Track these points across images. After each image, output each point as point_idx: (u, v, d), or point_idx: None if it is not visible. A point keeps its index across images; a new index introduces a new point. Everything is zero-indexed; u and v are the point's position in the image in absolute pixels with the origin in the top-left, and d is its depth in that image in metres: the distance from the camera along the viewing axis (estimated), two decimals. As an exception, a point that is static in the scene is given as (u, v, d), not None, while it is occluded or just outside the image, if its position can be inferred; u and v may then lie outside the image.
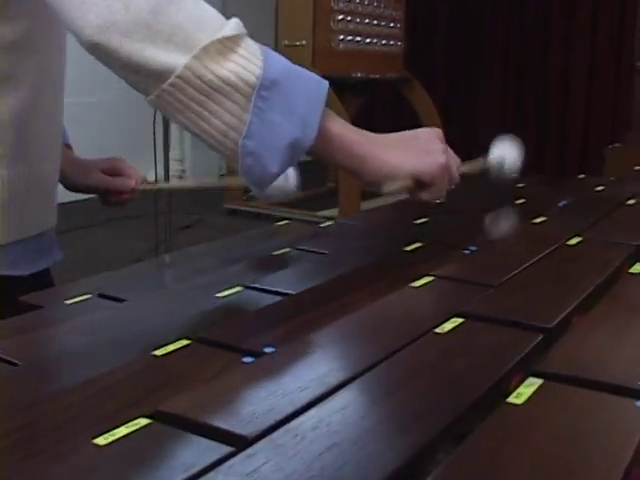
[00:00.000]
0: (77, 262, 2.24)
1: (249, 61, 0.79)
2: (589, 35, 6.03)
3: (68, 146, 1.27)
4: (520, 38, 6.38)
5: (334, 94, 4.44)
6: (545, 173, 6.04)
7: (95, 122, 5.09)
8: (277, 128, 0.80)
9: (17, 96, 0.98)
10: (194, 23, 0.78)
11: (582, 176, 1.79)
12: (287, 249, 1.11)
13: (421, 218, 1.29)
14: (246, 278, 0.93)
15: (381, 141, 0.91)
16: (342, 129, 0.88)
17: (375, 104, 6.46)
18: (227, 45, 0.79)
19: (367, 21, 5.06)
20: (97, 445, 0.50)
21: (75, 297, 0.92)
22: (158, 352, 0.69)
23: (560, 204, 1.37)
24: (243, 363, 0.65)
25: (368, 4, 5.06)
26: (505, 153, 1.22)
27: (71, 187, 1.27)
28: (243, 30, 0.81)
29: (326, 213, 4.70)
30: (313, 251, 1.10)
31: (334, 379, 0.59)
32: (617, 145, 4.56)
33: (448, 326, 0.68)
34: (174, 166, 5.11)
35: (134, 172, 1.30)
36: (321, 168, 5.42)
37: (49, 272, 1.17)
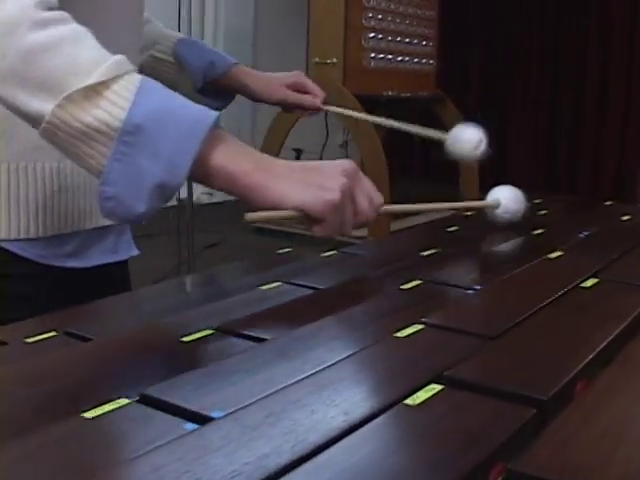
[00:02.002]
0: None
1: (116, 106, 0.80)
2: (627, 52, 5.89)
3: (237, 65, 1.40)
4: (554, 55, 6.27)
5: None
6: (577, 193, 5.93)
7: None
8: (143, 172, 0.80)
9: None
10: (66, 70, 0.80)
11: (609, 203, 1.68)
12: (277, 283, 1.02)
13: (430, 249, 1.19)
14: (217, 319, 0.84)
15: (275, 169, 0.88)
16: (229, 160, 0.85)
17: (407, 123, 6.37)
18: (96, 89, 0.80)
19: (399, 39, 4.97)
20: None
21: (39, 334, 0.84)
22: (89, 414, 0.59)
23: (582, 234, 1.27)
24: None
25: (400, 22, 4.98)
26: (502, 199, 1.27)
27: (257, 99, 1.41)
28: (121, 70, 0.82)
29: (355, 233, 4.61)
30: (304, 286, 1.00)
31: (275, 462, 0.49)
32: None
33: (422, 396, 0.58)
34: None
35: (318, 90, 1.43)
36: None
37: (125, 268, 1.22)
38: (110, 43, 1.03)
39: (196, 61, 1.36)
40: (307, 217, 0.88)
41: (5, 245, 1.04)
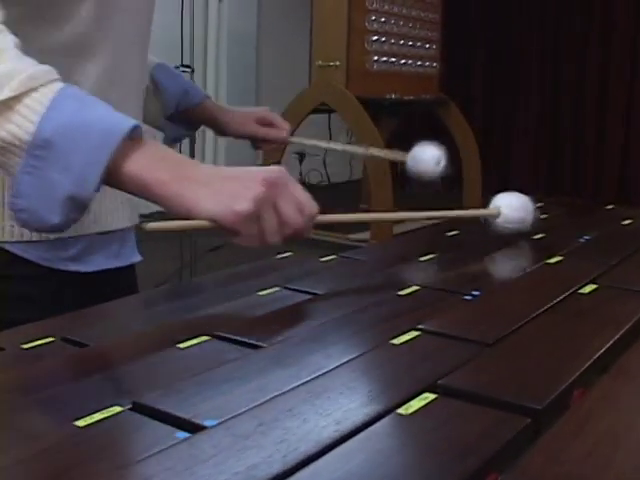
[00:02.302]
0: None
1: (26, 119, 0.80)
2: (630, 56, 5.88)
3: (208, 98, 1.42)
4: (556, 56, 6.25)
5: (367, 115, 4.36)
6: (581, 195, 5.91)
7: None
8: (54, 185, 0.80)
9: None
10: None
11: (610, 206, 1.67)
12: (276, 288, 1.02)
13: (429, 254, 1.19)
14: (215, 326, 0.83)
15: (195, 177, 0.85)
16: (144, 169, 0.83)
17: (410, 126, 6.36)
18: (7, 104, 0.80)
19: (402, 42, 4.96)
20: None
21: (37, 340, 0.84)
22: (81, 422, 0.59)
23: (582, 239, 1.26)
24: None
25: (403, 25, 4.97)
26: (504, 207, 1.19)
27: (225, 133, 1.42)
28: (35, 83, 0.82)
29: (358, 236, 4.60)
30: (303, 291, 1.00)
31: (265, 472, 0.49)
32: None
33: (415, 405, 0.57)
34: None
35: (285, 123, 1.45)
36: (354, 190, 5.33)
37: (132, 273, 1.22)
38: (120, 60, 1.08)
39: (172, 88, 1.38)
40: (222, 228, 0.86)
41: (7, 247, 1.04)
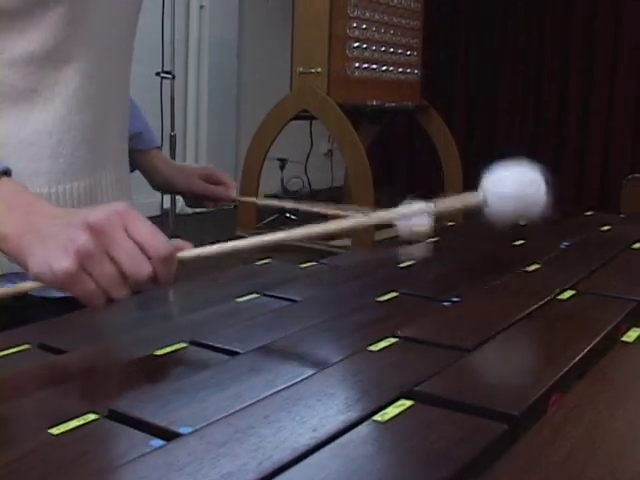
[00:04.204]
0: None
1: None
2: (609, 64, 5.93)
3: (159, 148, 1.36)
4: (539, 67, 6.29)
5: (349, 122, 4.36)
6: (563, 200, 5.94)
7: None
8: None
9: (48, 110, 0.99)
10: None
11: (589, 213, 1.68)
12: (254, 295, 1.01)
13: (409, 260, 1.19)
14: (194, 332, 0.83)
15: (36, 228, 0.76)
16: None
17: (392, 132, 6.38)
18: None
19: (383, 49, 4.97)
20: None
21: (12, 347, 0.83)
22: (55, 430, 0.58)
23: (562, 245, 1.27)
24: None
25: (385, 32, 4.98)
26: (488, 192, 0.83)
27: (170, 190, 1.36)
28: None
29: (339, 243, 4.60)
30: (281, 297, 1.00)
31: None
32: (638, 175, 4.42)
33: (392, 412, 0.57)
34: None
35: (231, 181, 1.39)
36: (336, 196, 5.33)
37: None
38: (101, 66, 1.04)
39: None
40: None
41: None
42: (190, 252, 0.80)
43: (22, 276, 0.81)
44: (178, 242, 0.79)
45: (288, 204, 1.57)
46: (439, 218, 1.14)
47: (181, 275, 0.82)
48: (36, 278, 0.75)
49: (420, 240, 1.23)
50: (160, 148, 1.39)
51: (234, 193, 1.39)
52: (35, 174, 0.99)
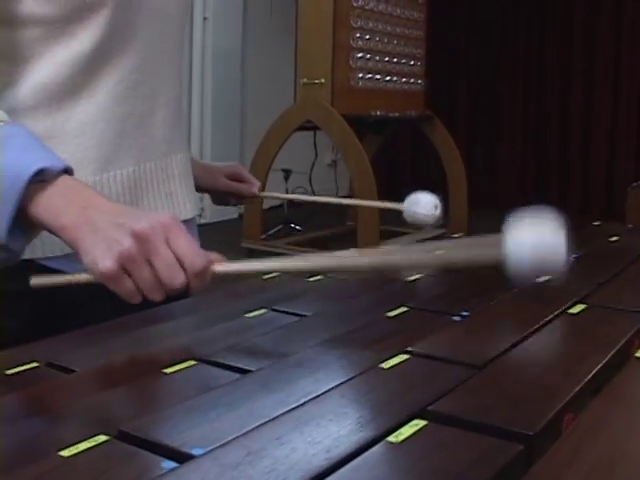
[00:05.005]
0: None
1: None
2: (612, 65, 5.93)
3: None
4: (542, 77, 6.30)
5: (353, 132, 4.37)
6: (568, 210, 5.93)
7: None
8: None
9: (91, 103, 1.05)
10: None
11: (597, 223, 1.67)
12: (262, 310, 1.01)
13: (417, 273, 1.18)
14: (201, 350, 0.82)
15: (92, 221, 0.83)
16: (50, 214, 0.85)
17: (396, 142, 6.39)
18: None
19: (387, 59, 4.99)
20: None
21: (20, 365, 0.82)
22: (66, 452, 0.58)
23: (570, 257, 1.26)
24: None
25: (388, 42, 4.99)
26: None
27: (197, 189, 1.35)
28: None
29: (344, 254, 4.59)
30: (290, 312, 0.99)
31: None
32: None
33: (406, 432, 0.56)
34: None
35: (254, 179, 1.45)
36: (340, 207, 5.33)
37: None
38: (148, 68, 1.10)
39: None
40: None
41: (50, 263, 1.04)
42: (224, 267, 0.86)
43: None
44: (214, 256, 0.85)
45: (304, 197, 1.62)
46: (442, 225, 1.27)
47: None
48: (87, 268, 0.82)
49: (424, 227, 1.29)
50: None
51: (257, 190, 1.44)
52: (81, 163, 1.03)
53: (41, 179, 0.84)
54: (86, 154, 1.05)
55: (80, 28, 1.01)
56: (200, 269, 0.81)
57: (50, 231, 0.86)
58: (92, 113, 1.05)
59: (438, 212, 1.30)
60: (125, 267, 0.79)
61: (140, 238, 0.79)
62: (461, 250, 0.88)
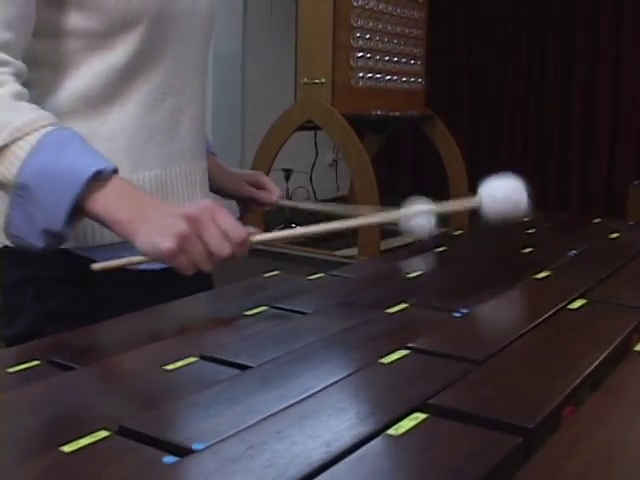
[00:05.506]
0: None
1: (12, 165, 0.98)
2: (614, 65, 5.92)
3: (213, 154, 1.49)
4: (543, 75, 6.29)
5: (353, 132, 4.36)
6: (569, 208, 5.93)
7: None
8: (33, 219, 0.98)
9: (122, 111, 1.15)
10: None
11: (597, 220, 1.67)
12: (263, 308, 1.01)
13: (417, 270, 1.19)
14: (202, 347, 0.82)
15: (147, 217, 0.98)
16: (107, 210, 0.99)
17: (396, 142, 6.38)
18: (1, 151, 0.98)
19: (387, 58, 4.97)
20: None
21: (22, 364, 0.82)
22: (67, 447, 0.58)
23: (570, 253, 1.26)
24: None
25: (388, 41, 4.98)
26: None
27: (220, 193, 1.49)
28: (22, 133, 0.98)
29: (345, 252, 4.59)
30: (291, 310, 1.00)
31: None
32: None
33: (405, 425, 0.56)
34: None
35: (275, 187, 1.52)
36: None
37: (209, 276, 1.24)
38: (175, 79, 1.20)
39: None
40: (159, 260, 0.97)
41: (85, 253, 1.13)
42: (260, 236, 1.02)
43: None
44: (251, 229, 1.01)
45: (328, 207, 1.62)
46: (443, 222, 1.23)
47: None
48: (146, 254, 0.97)
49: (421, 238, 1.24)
50: (215, 154, 1.51)
51: (276, 198, 1.51)
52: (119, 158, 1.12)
53: (97, 179, 0.96)
54: (118, 156, 1.12)
55: (117, 42, 1.11)
56: (242, 240, 0.97)
57: (105, 224, 0.99)
58: (124, 120, 1.15)
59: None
60: (182, 245, 0.94)
61: (192, 220, 0.95)
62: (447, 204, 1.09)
